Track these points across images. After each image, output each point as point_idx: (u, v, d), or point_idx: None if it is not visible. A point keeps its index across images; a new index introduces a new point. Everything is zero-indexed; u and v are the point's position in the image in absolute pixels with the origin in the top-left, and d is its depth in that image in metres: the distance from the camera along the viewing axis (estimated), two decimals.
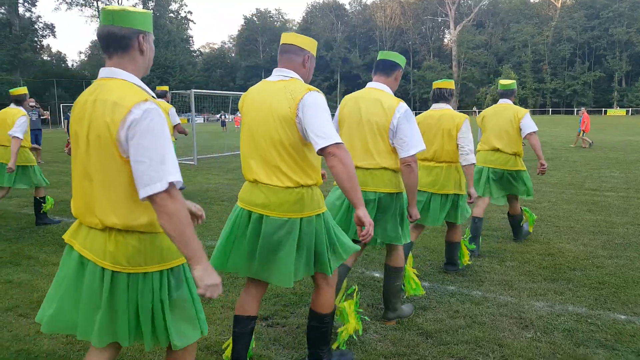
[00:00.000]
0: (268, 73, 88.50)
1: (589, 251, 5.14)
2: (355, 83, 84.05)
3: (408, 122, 3.08)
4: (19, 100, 6.49)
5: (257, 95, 2.56)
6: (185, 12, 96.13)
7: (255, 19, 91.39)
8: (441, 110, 4.17)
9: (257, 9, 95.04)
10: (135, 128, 1.69)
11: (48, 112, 19.25)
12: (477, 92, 74.00)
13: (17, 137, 6.05)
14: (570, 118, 52.51)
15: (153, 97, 1.82)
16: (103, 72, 1.88)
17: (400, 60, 3.39)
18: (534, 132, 4.97)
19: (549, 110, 71.01)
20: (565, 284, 4.23)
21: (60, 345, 3.22)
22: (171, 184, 1.68)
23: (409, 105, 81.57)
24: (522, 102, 70.74)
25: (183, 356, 2.03)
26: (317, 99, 2.40)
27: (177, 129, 8.21)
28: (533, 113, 69.36)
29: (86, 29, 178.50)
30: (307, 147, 2.47)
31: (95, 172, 1.78)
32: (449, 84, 4.23)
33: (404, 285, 3.62)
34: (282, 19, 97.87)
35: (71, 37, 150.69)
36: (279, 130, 2.42)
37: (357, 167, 3.14)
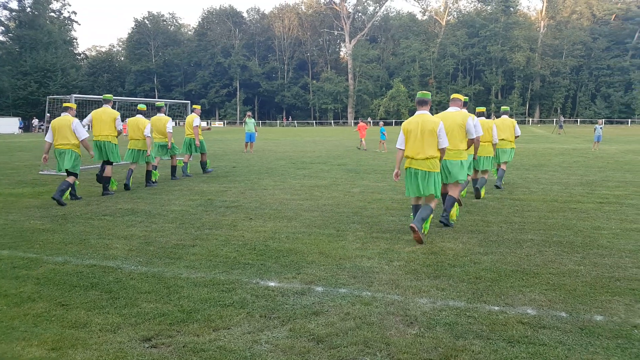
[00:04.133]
0: (160, 77, 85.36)
1: (467, 248, 5.53)
2: (255, 91, 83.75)
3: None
4: (144, 113, 10.60)
5: (448, 115, 6.76)
6: (68, 12, 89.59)
7: (147, 22, 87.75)
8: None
9: (149, 12, 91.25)
10: (440, 127, 5.81)
11: None
12: (371, 104, 77.30)
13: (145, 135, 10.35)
14: None
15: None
16: (420, 111, 6.00)
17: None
18: (519, 135, 10.15)
19: None
20: (447, 280, 4.49)
21: None
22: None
23: (310, 114, 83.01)
24: (411, 113, 75.05)
25: (432, 200, 5.98)
26: (473, 119, 6.85)
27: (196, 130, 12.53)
28: None
29: None
30: (464, 136, 6.73)
31: (426, 141, 5.78)
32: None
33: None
34: (177, 24, 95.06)
35: None
36: (459, 130, 6.66)
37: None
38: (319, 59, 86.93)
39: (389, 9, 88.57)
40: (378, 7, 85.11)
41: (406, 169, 6.02)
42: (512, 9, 75.14)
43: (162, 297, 4.17)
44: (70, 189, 8.76)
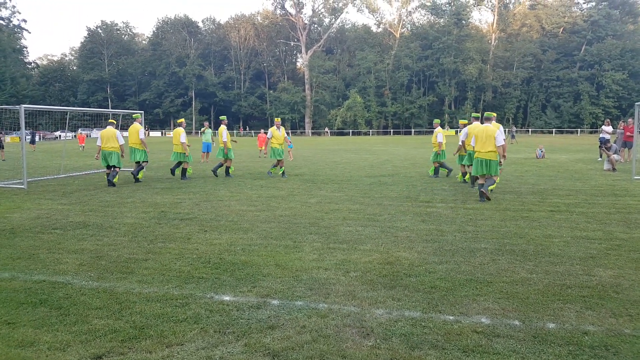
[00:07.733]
0: (114, 87, 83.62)
1: (422, 258, 5.60)
2: (212, 101, 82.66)
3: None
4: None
5: (487, 127, 10.00)
6: (18, 20, 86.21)
7: (100, 31, 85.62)
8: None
9: (102, 20, 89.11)
10: (497, 133, 9.77)
11: None
12: (329, 114, 77.87)
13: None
14: (409, 138, 58.01)
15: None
16: (485, 124, 10.10)
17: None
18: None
19: (390, 132, 77.51)
20: (402, 290, 4.53)
21: None
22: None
23: (267, 124, 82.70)
24: (367, 123, 76.23)
25: (492, 177, 10.03)
26: (499, 129, 10.29)
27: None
28: (377, 134, 75.19)
29: None
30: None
31: (488, 141, 9.79)
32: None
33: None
34: (131, 33, 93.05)
35: None
36: (493, 138, 9.94)
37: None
38: (276, 69, 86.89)
39: (344, 21, 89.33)
40: (334, 19, 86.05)
41: (475, 158, 10.05)
42: (464, 22, 77.60)
43: (113, 313, 4.03)
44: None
